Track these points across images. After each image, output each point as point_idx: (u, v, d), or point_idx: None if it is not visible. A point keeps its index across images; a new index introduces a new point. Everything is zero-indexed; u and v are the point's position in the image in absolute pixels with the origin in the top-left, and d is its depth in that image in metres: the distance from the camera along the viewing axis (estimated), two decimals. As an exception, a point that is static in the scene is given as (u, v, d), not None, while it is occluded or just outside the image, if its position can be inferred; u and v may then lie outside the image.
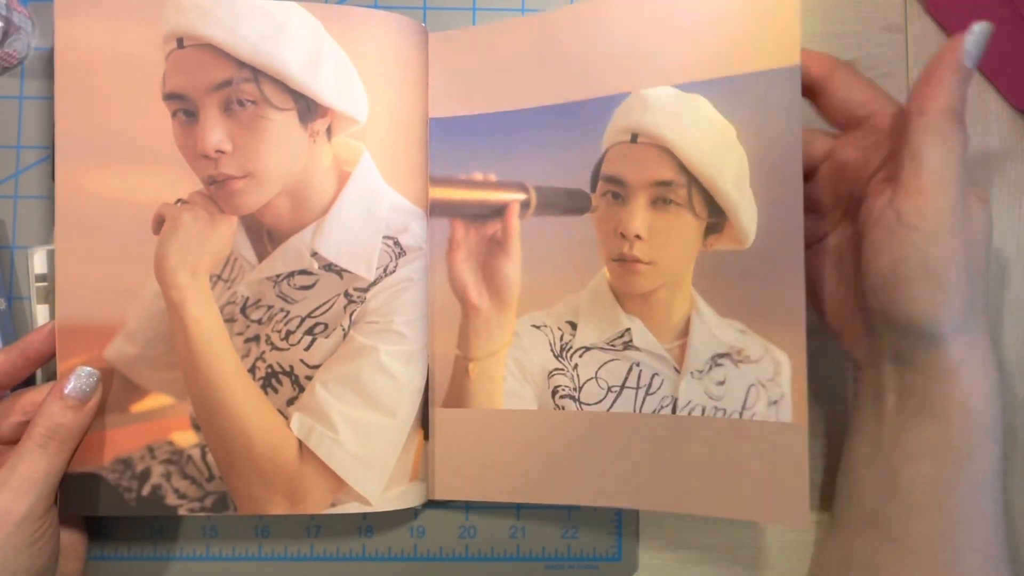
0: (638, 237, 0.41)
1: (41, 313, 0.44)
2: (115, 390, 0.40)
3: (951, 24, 0.47)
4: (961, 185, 0.34)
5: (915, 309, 0.35)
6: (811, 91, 0.40)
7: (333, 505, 0.41)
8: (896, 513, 0.37)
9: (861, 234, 0.37)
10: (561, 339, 0.42)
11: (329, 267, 0.41)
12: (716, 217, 0.39)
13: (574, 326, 0.42)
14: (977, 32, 0.35)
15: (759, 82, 0.38)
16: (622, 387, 0.41)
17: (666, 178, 0.40)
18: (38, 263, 0.44)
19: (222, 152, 0.40)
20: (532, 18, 0.43)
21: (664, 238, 0.40)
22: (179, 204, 0.40)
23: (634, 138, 0.41)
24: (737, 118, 0.39)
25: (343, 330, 0.41)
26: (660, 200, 0.40)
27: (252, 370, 0.41)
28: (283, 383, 0.41)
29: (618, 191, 0.41)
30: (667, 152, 0.40)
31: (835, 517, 0.42)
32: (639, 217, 0.41)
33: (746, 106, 0.38)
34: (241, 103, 0.41)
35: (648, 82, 0.41)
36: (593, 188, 0.42)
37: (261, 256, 0.41)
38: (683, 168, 0.40)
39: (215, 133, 0.40)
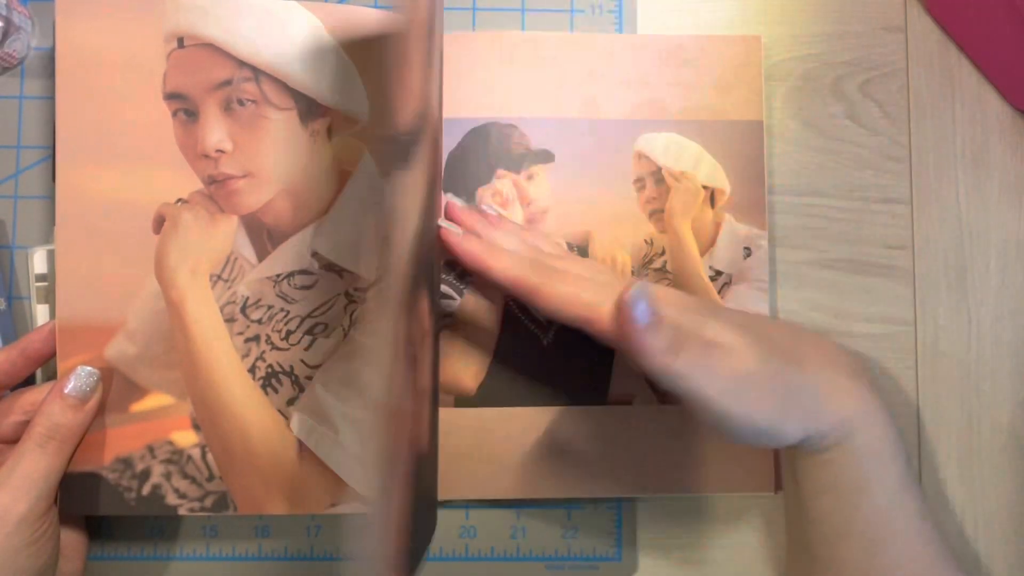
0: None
1: (41, 313, 0.44)
2: (115, 390, 0.40)
3: (951, 24, 0.47)
4: (723, 381, 0.35)
5: (755, 445, 0.36)
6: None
7: (333, 505, 0.41)
8: (817, 540, 0.38)
9: None
10: None
11: (330, 267, 0.41)
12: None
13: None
14: (632, 295, 0.34)
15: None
16: None
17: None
18: (38, 263, 0.44)
19: (222, 151, 0.40)
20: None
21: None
22: (179, 204, 0.40)
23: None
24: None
25: (343, 330, 0.41)
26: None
27: (252, 370, 0.41)
28: (283, 383, 0.41)
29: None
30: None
31: (789, 550, 0.42)
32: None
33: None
34: (241, 103, 0.41)
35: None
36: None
37: (261, 256, 0.41)
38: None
39: (215, 133, 0.40)
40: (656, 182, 0.45)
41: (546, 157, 0.45)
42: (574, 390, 0.44)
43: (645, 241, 0.45)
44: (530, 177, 0.45)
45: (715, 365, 0.35)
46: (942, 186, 0.47)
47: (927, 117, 0.47)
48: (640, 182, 0.45)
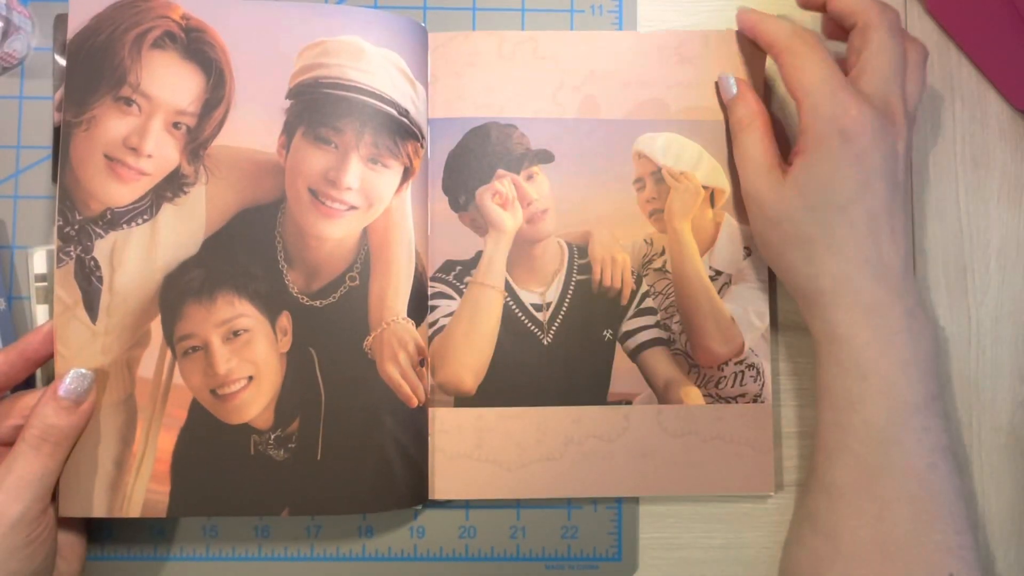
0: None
1: (41, 313, 0.44)
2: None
3: (951, 24, 0.47)
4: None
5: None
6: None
7: None
8: (819, 460, 0.40)
9: None
10: None
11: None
12: None
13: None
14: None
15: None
16: None
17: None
18: (38, 263, 0.44)
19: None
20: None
21: None
22: None
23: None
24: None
25: None
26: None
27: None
28: None
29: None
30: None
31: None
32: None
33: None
34: None
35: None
36: None
37: None
38: None
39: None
40: (656, 182, 0.45)
41: (546, 157, 0.45)
42: (574, 390, 0.44)
43: (645, 241, 0.45)
44: (530, 177, 0.45)
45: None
46: (942, 186, 0.47)
47: (927, 117, 0.47)
48: (640, 182, 0.45)
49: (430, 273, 0.44)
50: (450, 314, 0.44)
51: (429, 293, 0.44)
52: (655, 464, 0.44)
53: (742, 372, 0.44)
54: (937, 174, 0.47)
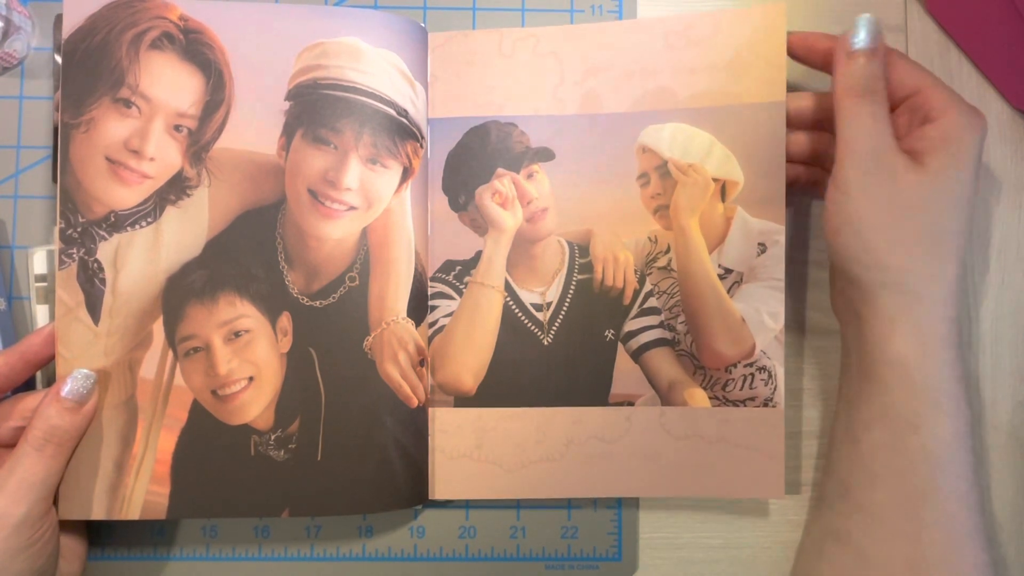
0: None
1: (41, 313, 0.44)
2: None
3: (951, 24, 0.47)
4: (873, 154, 0.37)
5: (841, 256, 0.39)
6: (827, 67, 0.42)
7: None
8: (859, 480, 0.38)
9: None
10: None
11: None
12: None
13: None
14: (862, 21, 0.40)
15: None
16: None
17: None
18: (38, 263, 0.44)
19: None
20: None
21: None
22: None
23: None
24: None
25: None
26: None
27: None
28: None
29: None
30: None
31: (818, 494, 0.43)
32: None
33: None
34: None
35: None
36: None
37: None
38: None
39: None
40: (661, 176, 0.44)
41: (546, 155, 0.44)
42: (575, 391, 0.44)
43: (649, 239, 0.44)
44: (530, 175, 0.44)
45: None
46: (942, 186, 0.47)
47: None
48: (644, 177, 0.44)
49: (430, 273, 0.44)
50: (450, 314, 0.44)
51: (429, 293, 0.44)
52: (658, 466, 0.43)
53: (752, 375, 0.43)
54: (937, 174, 0.47)
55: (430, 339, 0.44)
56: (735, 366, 0.43)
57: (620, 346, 0.44)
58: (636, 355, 0.44)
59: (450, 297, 0.44)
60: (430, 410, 0.43)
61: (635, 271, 0.44)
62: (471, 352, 0.44)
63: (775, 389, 0.43)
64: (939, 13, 0.47)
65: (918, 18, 0.48)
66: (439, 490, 0.43)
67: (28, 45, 0.45)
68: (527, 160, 0.44)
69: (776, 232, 0.43)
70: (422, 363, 0.43)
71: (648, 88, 0.44)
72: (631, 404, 0.44)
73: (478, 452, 0.43)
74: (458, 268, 0.44)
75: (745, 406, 0.43)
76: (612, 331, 0.44)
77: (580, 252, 0.44)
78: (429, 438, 0.43)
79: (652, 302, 0.44)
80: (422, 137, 0.44)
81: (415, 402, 0.43)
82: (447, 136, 0.44)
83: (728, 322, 0.43)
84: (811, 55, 0.42)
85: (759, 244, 0.43)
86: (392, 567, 0.45)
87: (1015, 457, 0.46)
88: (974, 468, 0.37)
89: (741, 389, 0.43)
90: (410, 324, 0.42)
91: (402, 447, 0.42)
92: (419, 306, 0.43)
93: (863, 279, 0.38)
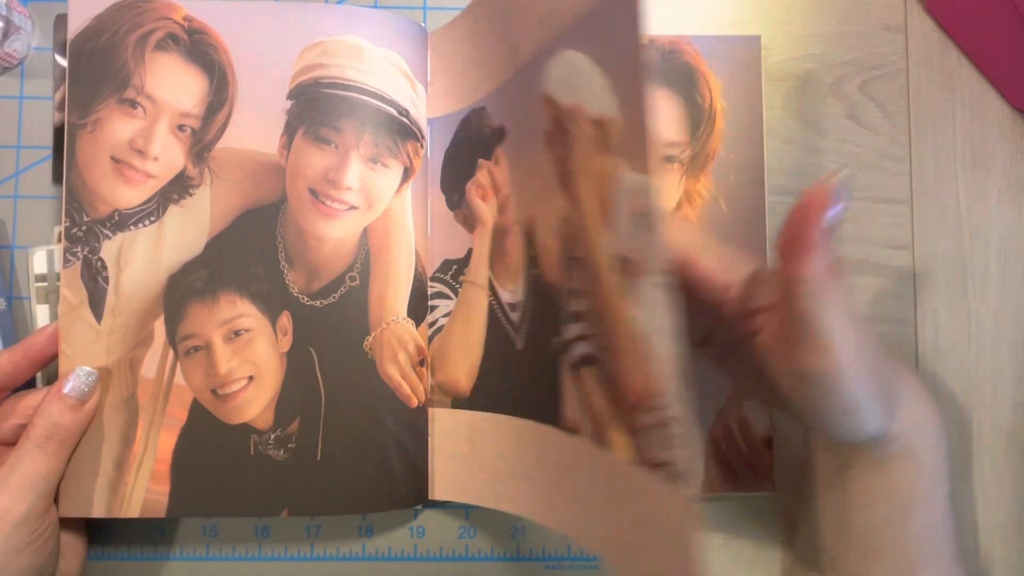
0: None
1: (41, 313, 0.44)
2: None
3: (951, 24, 0.47)
4: (854, 331, 0.31)
5: (832, 428, 0.34)
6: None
7: None
8: (854, 556, 0.36)
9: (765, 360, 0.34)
10: None
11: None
12: None
13: None
14: (841, 180, 0.31)
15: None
16: None
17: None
18: (38, 263, 0.44)
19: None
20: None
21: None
22: None
23: None
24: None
25: None
26: None
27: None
28: None
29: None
30: None
31: (799, 557, 0.41)
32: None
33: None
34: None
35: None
36: None
37: None
38: None
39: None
40: (561, 132, 0.34)
41: (500, 135, 0.40)
42: (541, 405, 0.37)
43: (566, 220, 0.34)
44: (497, 161, 0.41)
45: (853, 314, 0.31)
46: (942, 186, 0.47)
47: (927, 117, 0.47)
48: (547, 136, 0.35)
49: (430, 273, 0.44)
50: (448, 314, 0.44)
51: (429, 293, 0.44)
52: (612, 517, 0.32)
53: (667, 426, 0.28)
54: (937, 174, 0.47)
55: (430, 339, 0.44)
56: (652, 407, 0.28)
57: (562, 360, 0.35)
58: (572, 372, 0.34)
59: (448, 297, 0.44)
60: (430, 410, 0.43)
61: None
62: (465, 353, 0.43)
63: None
64: (939, 13, 0.47)
65: (918, 18, 0.48)
66: (439, 490, 0.43)
67: (28, 45, 0.45)
68: (492, 144, 0.41)
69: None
70: (422, 363, 0.43)
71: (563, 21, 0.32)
72: (576, 433, 0.34)
73: (472, 456, 0.42)
74: (454, 267, 0.44)
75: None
76: (558, 339, 0.35)
77: (528, 242, 0.39)
78: (429, 438, 0.43)
79: (576, 304, 0.33)
80: (422, 137, 0.44)
81: (415, 402, 0.42)
82: (445, 135, 0.44)
83: (637, 338, 0.29)
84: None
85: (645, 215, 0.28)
86: (392, 567, 0.45)
87: (1015, 458, 0.46)
88: (956, 524, 0.36)
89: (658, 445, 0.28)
90: (410, 324, 0.42)
91: (402, 447, 0.42)
92: (419, 306, 0.43)
93: (852, 443, 0.35)
